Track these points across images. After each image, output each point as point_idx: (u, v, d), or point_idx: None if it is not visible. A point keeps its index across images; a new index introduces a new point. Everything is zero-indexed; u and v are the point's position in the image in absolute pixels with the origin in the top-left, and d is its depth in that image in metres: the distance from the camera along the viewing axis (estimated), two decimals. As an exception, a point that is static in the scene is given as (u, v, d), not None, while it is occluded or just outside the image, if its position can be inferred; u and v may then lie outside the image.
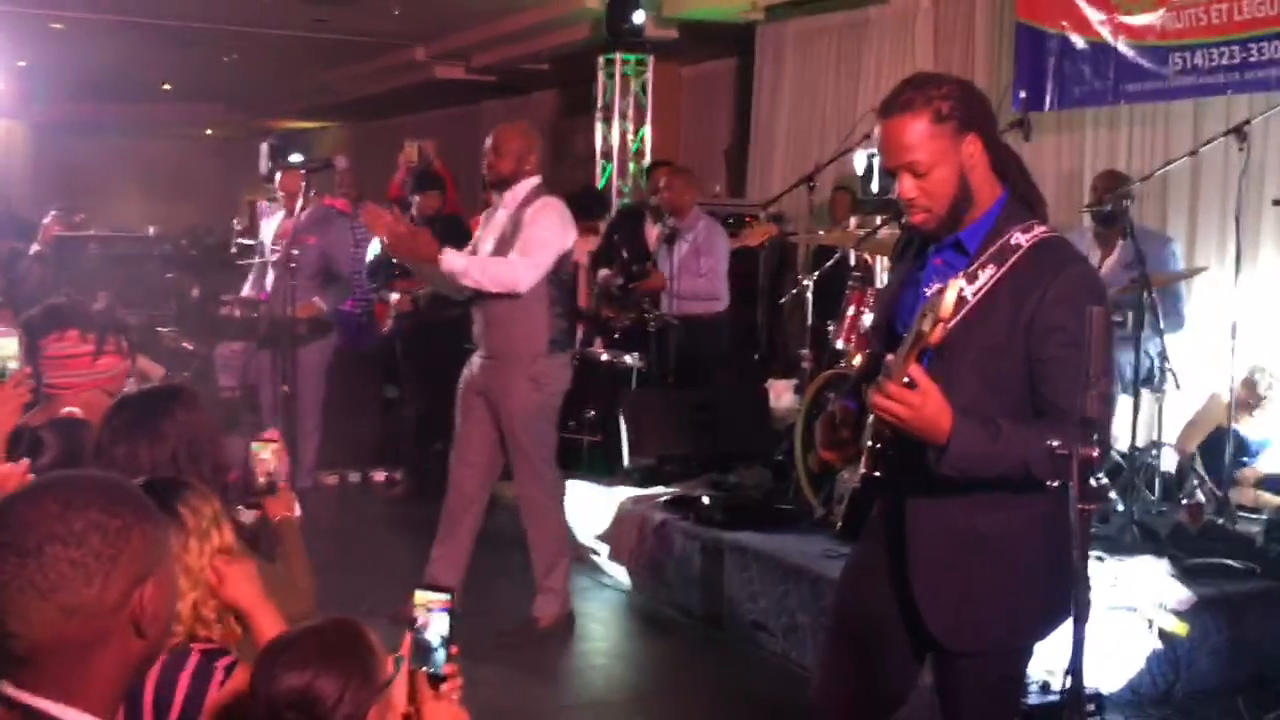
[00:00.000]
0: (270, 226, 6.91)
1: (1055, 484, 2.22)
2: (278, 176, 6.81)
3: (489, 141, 4.96)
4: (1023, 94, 7.38)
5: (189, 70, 15.49)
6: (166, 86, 17.46)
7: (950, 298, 2.15)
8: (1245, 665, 4.51)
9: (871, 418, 2.44)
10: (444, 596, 1.99)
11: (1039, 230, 2.46)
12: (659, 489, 6.06)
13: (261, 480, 3.00)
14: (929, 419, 2.25)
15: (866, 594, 2.66)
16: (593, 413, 6.60)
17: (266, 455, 3.01)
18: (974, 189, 2.46)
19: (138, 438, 2.67)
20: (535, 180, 4.90)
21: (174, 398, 2.82)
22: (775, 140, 10.04)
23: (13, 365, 2.93)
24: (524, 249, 4.75)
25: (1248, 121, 5.51)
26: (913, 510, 2.52)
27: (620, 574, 5.87)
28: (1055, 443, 2.14)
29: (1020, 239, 2.44)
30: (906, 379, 2.24)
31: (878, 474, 2.48)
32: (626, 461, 6.26)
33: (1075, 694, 1.89)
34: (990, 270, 2.43)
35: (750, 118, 10.39)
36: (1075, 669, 1.91)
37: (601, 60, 10.52)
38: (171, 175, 19.58)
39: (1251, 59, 6.39)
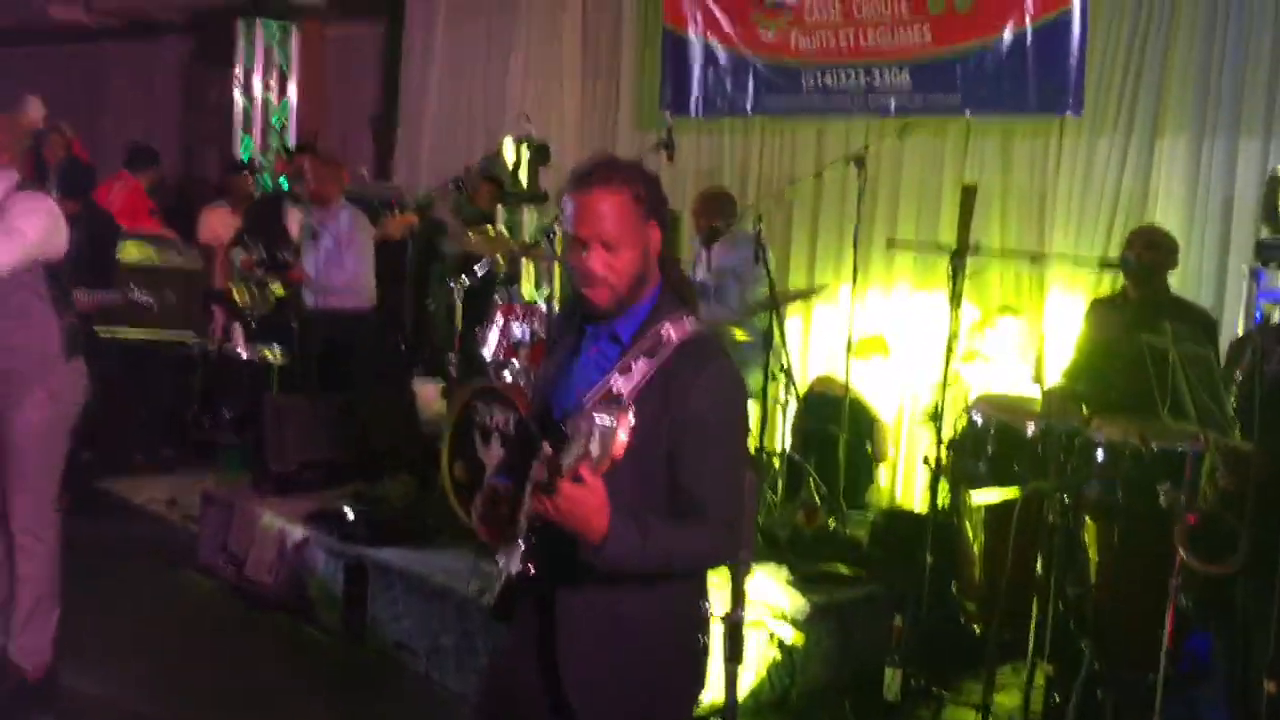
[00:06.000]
0: None
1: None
2: None
3: None
4: (668, 97, 7.71)
5: None
6: None
7: (623, 437, 2.21)
8: (851, 667, 4.94)
9: (527, 507, 2.49)
10: None
11: (688, 324, 2.57)
12: (300, 499, 5.88)
13: None
14: (586, 516, 2.32)
15: (514, 677, 2.72)
16: (231, 413, 6.33)
17: None
18: (648, 274, 2.56)
19: None
20: (13, 177, 4.36)
21: None
22: (424, 120, 9.88)
23: None
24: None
25: (866, 148, 5.94)
26: (561, 595, 2.58)
27: (259, 591, 5.69)
28: (706, 547, 2.51)
29: (670, 333, 2.54)
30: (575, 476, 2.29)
31: (533, 570, 2.54)
32: (267, 468, 6.04)
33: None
34: (642, 364, 2.52)
35: (399, 86, 10.17)
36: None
37: (241, 24, 9.95)
38: None
39: (875, 84, 6.91)
